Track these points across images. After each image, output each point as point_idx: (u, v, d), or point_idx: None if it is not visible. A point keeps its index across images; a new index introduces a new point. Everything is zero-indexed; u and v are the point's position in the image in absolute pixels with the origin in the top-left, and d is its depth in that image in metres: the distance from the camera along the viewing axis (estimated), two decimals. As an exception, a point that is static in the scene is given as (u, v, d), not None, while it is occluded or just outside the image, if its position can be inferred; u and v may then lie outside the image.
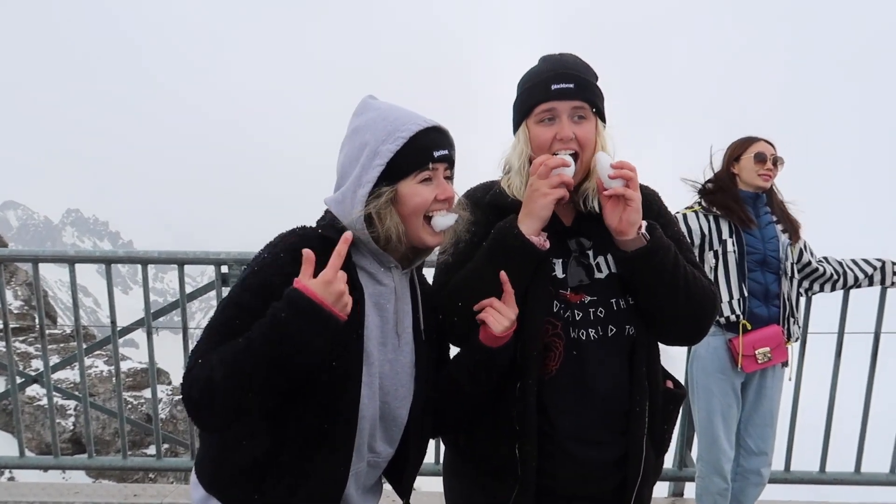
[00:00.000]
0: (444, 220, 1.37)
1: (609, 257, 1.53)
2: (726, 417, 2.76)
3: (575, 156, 1.47)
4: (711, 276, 2.70)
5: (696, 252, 2.74)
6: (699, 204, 2.79)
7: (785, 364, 2.80)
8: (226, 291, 2.97)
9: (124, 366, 6.50)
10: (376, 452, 1.46)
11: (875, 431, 3.25)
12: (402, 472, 1.52)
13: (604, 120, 1.53)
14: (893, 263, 2.92)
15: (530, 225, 1.42)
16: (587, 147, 1.48)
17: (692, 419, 3.01)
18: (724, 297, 2.68)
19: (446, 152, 1.36)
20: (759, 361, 2.66)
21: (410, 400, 1.46)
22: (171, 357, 4.03)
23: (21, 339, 6.74)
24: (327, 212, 1.39)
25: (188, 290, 3.20)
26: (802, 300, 2.98)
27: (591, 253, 1.53)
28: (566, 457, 1.50)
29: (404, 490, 1.55)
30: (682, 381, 2.71)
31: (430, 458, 3.15)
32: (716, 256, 2.71)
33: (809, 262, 2.87)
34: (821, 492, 3.42)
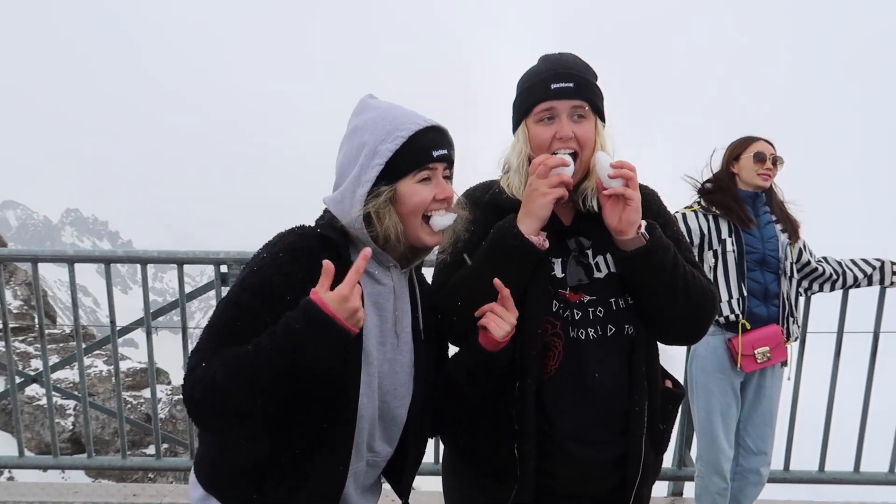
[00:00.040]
0: (443, 219, 1.37)
1: (608, 257, 1.53)
2: (725, 417, 2.76)
3: (574, 155, 1.47)
4: (711, 276, 2.70)
5: (696, 252, 2.74)
6: (698, 203, 2.79)
7: (784, 364, 2.80)
8: (225, 291, 2.97)
9: (124, 365, 6.49)
10: (375, 452, 1.46)
11: (874, 431, 3.25)
12: (401, 471, 1.52)
13: (603, 119, 1.53)
14: (893, 263, 2.93)
15: (529, 224, 1.42)
16: (586, 146, 1.48)
17: (691, 419, 3.01)
18: (724, 296, 2.68)
19: (445, 152, 1.36)
20: (759, 361, 2.67)
21: (409, 399, 1.46)
22: (171, 357, 4.03)
23: (20, 338, 6.73)
24: (326, 211, 1.39)
25: (188, 289, 3.20)
26: (801, 300, 2.98)
27: (590, 252, 1.53)
28: (565, 456, 1.50)
29: (403, 489, 1.55)
30: (682, 381, 2.72)
31: (429, 457, 3.15)
32: (715, 256, 2.71)
33: (809, 262, 2.87)
34: (820, 491, 3.42)
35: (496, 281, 1.37)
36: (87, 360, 6.13)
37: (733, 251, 2.68)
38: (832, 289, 2.97)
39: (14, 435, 3.38)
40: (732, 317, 2.67)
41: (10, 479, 5.10)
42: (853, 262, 2.95)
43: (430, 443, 3.07)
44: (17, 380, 3.42)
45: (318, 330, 1.16)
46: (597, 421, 1.51)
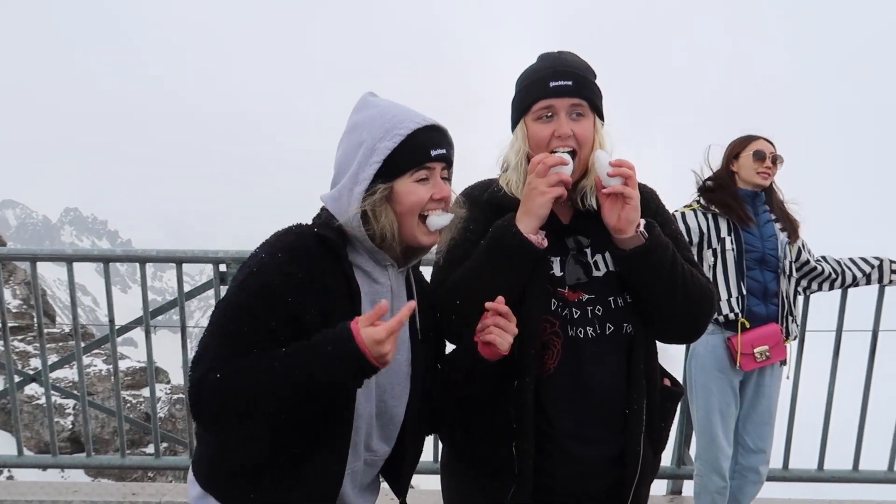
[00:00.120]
0: (440, 219, 1.36)
1: (607, 255, 1.53)
2: (724, 416, 2.76)
3: (573, 153, 1.46)
4: (710, 275, 2.70)
5: (695, 250, 2.74)
6: (698, 202, 2.79)
7: (783, 362, 2.80)
8: (224, 290, 2.97)
9: (123, 364, 6.49)
10: (373, 451, 1.46)
11: (873, 429, 3.26)
12: (398, 470, 1.52)
13: (602, 118, 1.53)
14: (892, 262, 2.93)
15: (528, 223, 1.42)
16: (585, 145, 1.48)
17: (690, 417, 3.01)
18: (723, 295, 2.68)
19: (444, 151, 1.35)
20: (758, 360, 2.67)
21: (407, 398, 1.45)
22: (170, 356, 4.02)
23: (20, 338, 6.73)
24: (323, 209, 1.39)
25: (187, 288, 3.20)
26: (800, 299, 2.98)
27: (588, 251, 1.53)
28: (564, 455, 1.50)
29: (401, 488, 1.55)
30: (681, 380, 2.73)
31: (428, 456, 3.16)
32: (714, 255, 2.71)
33: (808, 261, 2.87)
34: (819, 489, 3.43)
35: (499, 298, 1.34)
36: (86, 360, 6.13)
37: (732, 250, 2.68)
38: (831, 288, 2.97)
39: (13, 434, 3.38)
40: (732, 315, 2.67)
41: (10, 478, 5.10)
42: (852, 260, 2.95)
43: (430, 442, 3.07)
44: (16, 379, 3.42)
45: (346, 359, 1.16)
46: (595, 419, 1.51)
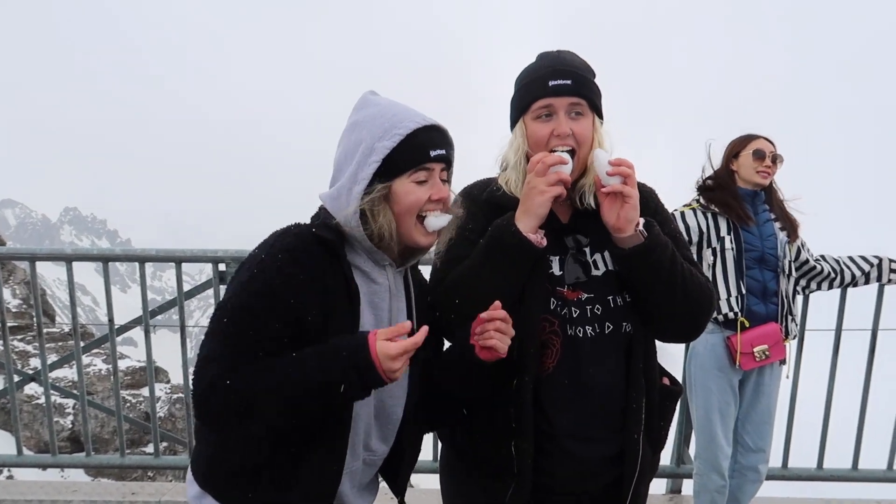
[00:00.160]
0: (438, 220, 1.35)
1: (606, 254, 1.53)
2: (724, 415, 2.76)
3: (572, 152, 1.46)
4: (709, 274, 2.70)
5: (695, 249, 2.74)
6: (697, 201, 2.79)
7: (783, 362, 2.80)
8: (223, 289, 2.97)
9: (123, 364, 6.49)
10: (372, 451, 1.46)
11: (872, 428, 3.26)
12: (397, 469, 1.52)
13: (601, 117, 1.53)
14: (891, 260, 2.93)
15: (527, 222, 1.42)
16: (584, 143, 1.48)
17: (690, 416, 3.01)
18: (722, 294, 2.68)
19: (443, 152, 1.34)
20: (757, 359, 2.67)
21: (405, 398, 1.45)
22: (170, 355, 4.02)
23: (19, 337, 6.73)
24: (322, 208, 1.38)
25: (187, 287, 3.20)
26: (800, 298, 2.98)
27: (587, 250, 1.53)
28: (563, 454, 1.50)
29: (400, 487, 1.55)
30: (681, 379, 2.73)
31: (428, 455, 3.16)
32: (714, 254, 2.71)
33: (807, 261, 2.87)
34: (818, 488, 3.43)
35: (495, 304, 1.34)
36: (86, 359, 6.13)
37: (732, 249, 2.68)
38: (830, 287, 2.97)
39: (13, 434, 3.38)
40: (731, 315, 2.67)
41: (10, 477, 5.10)
42: (851, 259, 2.95)
43: (429, 441, 3.07)
44: (16, 378, 3.42)
45: (357, 369, 1.19)
46: (594, 418, 1.51)
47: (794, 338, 2.84)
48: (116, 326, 3.20)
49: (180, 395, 6.38)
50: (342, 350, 1.20)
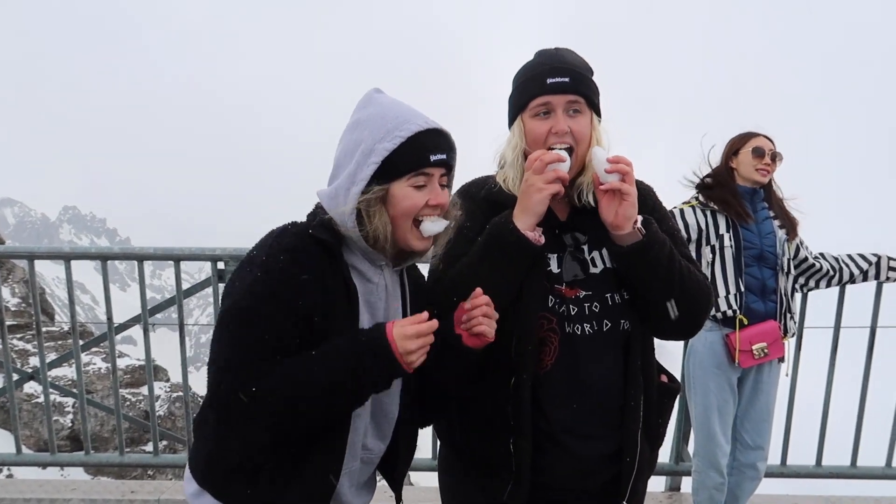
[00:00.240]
0: (434, 225, 1.34)
1: (604, 252, 1.53)
2: (723, 412, 2.77)
3: (570, 150, 1.46)
4: (708, 272, 2.71)
5: (694, 247, 2.74)
6: (696, 199, 2.79)
7: (781, 360, 2.81)
8: (222, 287, 2.96)
9: (123, 363, 6.50)
10: (368, 449, 1.46)
11: (871, 425, 3.26)
12: (394, 466, 1.53)
13: (599, 114, 1.53)
14: (889, 258, 2.93)
15: (525, 220, 1.41)
16: (582, 141, 1.48)
17: (689, 414, 3.02)
18: (721, 292, 2.68)
19: (444, 157, 1.33)
20: (756, 357, 2.67)
21: (399, 395, 1.46)
22: (170, 354, 4.02)
23: (19, 336, 6.73)
24: (319, 205, 1.38)
25: (186, 286, 3.20)
26: (798, 296, 2.98)
27: (585, 248, 1.53)
28: (561, 451, 1.50)
29: (396, 484, 1.56)
30: (679, 377, 2.73)
31: (427, 453, 3.17)
32: (713, 251, 2.71)
33: (806, 259, 2.87)
34: (817, 485, 3.44)
35: (477, 291, 1.35)
36: (85, 358, 6.13)
37: (731, 246, 2.68)
38: (829, 285, 2.97)
39: (12, 432, 3.38)
40: (730, 312, 2.67)
41: (10, 476, 5.11)
42: (850, 257, 2.95)
43: (429, 439, 3.08)
44: (15, 377, 3.42)
45: (374, 353, 1.22)
46: (592, 416, 1.51)
47: (792, 335, 2.84)
48: (115, 325, 3.20)
49: (180, 393, 6.38)
50: (361, 336, 1.25)
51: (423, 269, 1.64)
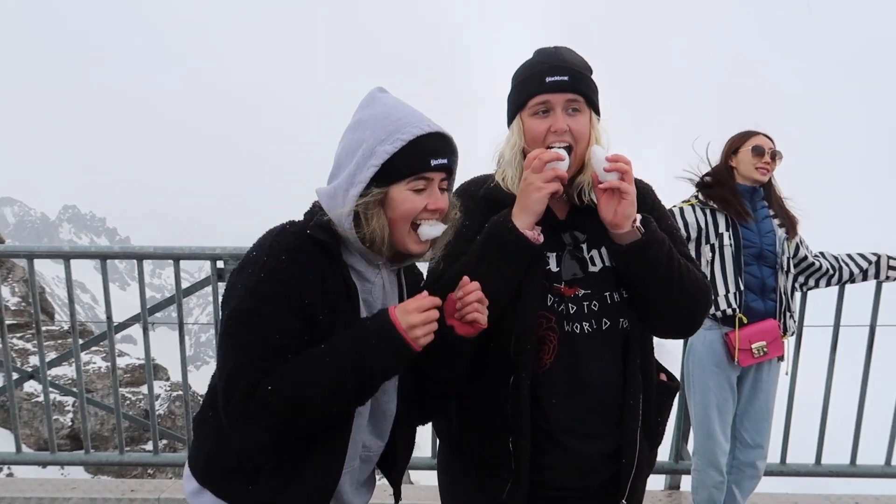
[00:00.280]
0: (431, 230, 1.34)
1: (603, 250, 1.53)
2: (722, 411, 2.77)
3: (569, 149, 1.46)
4: (708, 270, 2.71)
5: (693, 246, 2.74)
6: (696, 197, 2.79)
7: (781, 358, 2.81)
8: (222, 286, 2.97)
9: (123, 362, 6.50)
10: (367, 447, 1.46)
11: (870, 424, 3.27)
12: (392, 464, 1.53)
13: (598, 113, 1.53)
14: (889, 258, 2.93)
15: (524, 219, 1.41)
16: (581, 140, 1.48)
17: (688, 413, 3.02)
18: (721, 290, 2.68)
19: (445, 161, 1.32)
20: (755, 356, 2.67)
21: (396, 392, 1.46)
22: (170, 353, 4.02)
23: (19, 335, 6.73)
24: (316, 204, 1.37)
25: (185, 285, 3.20)
26: (798, 294, 2.98)
27: (584, 246, 1.53)
28: (560, 450, 1.50)
29: (395, 482, 1.56)
30: (679, 375, 2.73)
31: (428, 452, 3.17)
32: (712, 250, 2.71)
33: (806, 257, 2.87)
34: (816, 484, 3.44)
35: (464, 279, 1.34)
36: (85, 357, 6.13)
37: (730, 245, 2.68)
38: (828, 284, 2.98)
39: (12, 431, 3.38)
40: (729, 311, 2.67)
41: (10, 475, 5.11)
42: (849, 256, 2.95)
43: (429, 438, 3.08)
44: (14, 376, 3.42)
45: (380, 333, 1.23)
46: (591, 414, 1.51)
47: (792, 334, 2.84)
48: (115, 324, 3.20)
49: (179, 392, 6.39)
50: (366, 321, 1.27)
51: (423, 268, 1.64)
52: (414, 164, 1.29)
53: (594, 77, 1.54)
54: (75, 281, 3.15)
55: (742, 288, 2.67)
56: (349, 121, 1.37)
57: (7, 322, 3.23)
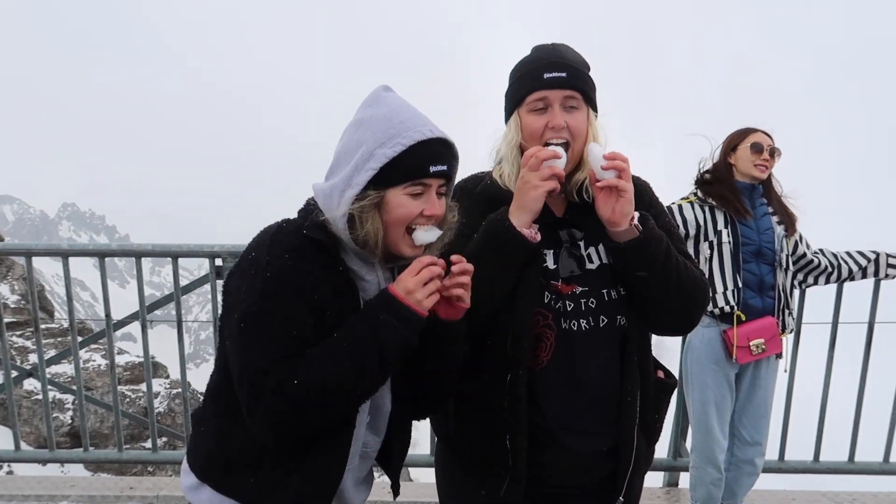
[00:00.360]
0: (426, 235, 1.33)
1: (600, 248, 1.52)
2: (720, 408, 2.77)
3: (566, 146, 1.46)
4: (706, 268, 2.71)
5: (692, 243, 2.74)
6: (695, 194, 2.79)
7: (779, 356, 2.81)
8: (220, 284, 2.96)
9: (122, 359, 6.50)
10: (366, 444, 1.46)
11: (868, 421, 3.27)
12: (388, 460, 1.53)
13: (596, 110, 1.53)
14: (888, 255, 2.93)
15: (521, 217, 1.41)
16: (579, 137, 1.47)
17: (687, 410, 3.02)
18: (719, 287, 2.68)
19: (444, 168, 1.31)
20: (754, 353, 2.67)
21: (390, 388, 1.46)
22: (170, 351, 4.03)
23: (18, 333, 6.73)
24: (311, 202, 1.37)
25: (184, 283, 3.20)
26: (796, 292, 2.98)
27: (582, 244, 1.53)
28: (557, 447, 1.51)
29: (392, 477, 1.56)
30: (677, 373, 2.74)
31: (426, 450, 3.18)
32: (711, 247, 2.71)
33: (804, 255, 2.87)
34: (815, 481, 3.44)
35: (453, 257, 1.32)
36: (85, 355, 6.13)
37: (729, 242, 2.68)
38: (827, 281, 2.98)
39: (11, 429, 3.38)
40: (728, 308, 2.67)
41: (9, 472, 5.11)
42: (848, 254, 2.95)
43: (427, 435, 3.08)
44: (14, 374, 3.42)
45: (383, 304, 1.26)
46: (589, 412, 1.51)
47: (790, 332, 2.84)
48: (114, 322, 3.20)
49: (179, 390, 6.39)
50: (371, 302, 1.29)
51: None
52: (412, 169, 1.27)
53: (592, 74, 1.54)
54: (74, 279, 3.15)
55: (740, 285, 2.67)
56: (352, 117, 1.35)
57: (6, 320, 3.23)
